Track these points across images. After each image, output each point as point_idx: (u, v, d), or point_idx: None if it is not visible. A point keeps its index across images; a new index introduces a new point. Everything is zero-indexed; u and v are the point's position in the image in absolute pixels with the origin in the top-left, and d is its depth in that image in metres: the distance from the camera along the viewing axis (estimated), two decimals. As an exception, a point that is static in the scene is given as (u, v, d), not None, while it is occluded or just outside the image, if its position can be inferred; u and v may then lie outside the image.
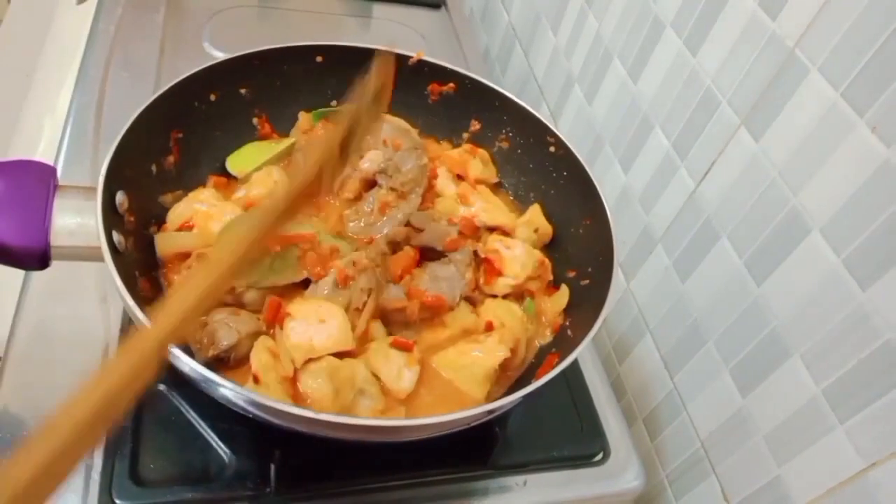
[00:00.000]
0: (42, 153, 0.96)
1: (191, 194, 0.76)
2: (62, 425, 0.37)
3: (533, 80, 1.25)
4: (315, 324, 0.66)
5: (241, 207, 0.76)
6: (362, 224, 0.80)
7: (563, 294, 0.78)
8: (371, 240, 0.77)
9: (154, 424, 0.68)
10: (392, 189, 0.81)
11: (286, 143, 0.88)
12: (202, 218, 0.73)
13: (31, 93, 1.11)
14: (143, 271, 0.66)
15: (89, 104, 0.98)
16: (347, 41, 0.88)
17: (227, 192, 0.81)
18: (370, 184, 0.84)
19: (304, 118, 0.90)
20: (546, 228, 0.84)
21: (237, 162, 0.85)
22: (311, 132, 0.89)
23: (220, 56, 0.82)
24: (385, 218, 0.79)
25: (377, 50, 0.61)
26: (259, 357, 0.64)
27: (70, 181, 0.63)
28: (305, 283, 0.71)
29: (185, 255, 0.71)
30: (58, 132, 0.95)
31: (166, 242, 0.71)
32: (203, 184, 0.81)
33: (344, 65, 0.90)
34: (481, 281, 0.77)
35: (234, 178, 0.84)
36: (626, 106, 0.96)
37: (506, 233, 0.82)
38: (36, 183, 0.62)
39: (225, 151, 0.85)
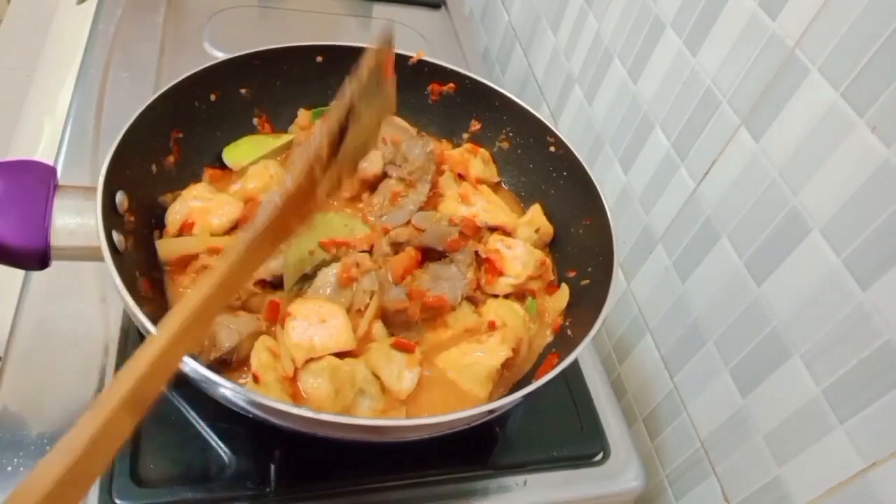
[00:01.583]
0: (42, 153, 0.96)
1: (184, 192, 0.75)
2: (34, 490, 0.36)
3: (533, 80, 1.25)
4: (316, 323, 0.66)
5: (238, 200, 0.77)
6: (372, 218, 0.81)
7: (564, 294, 0.78)
8: (386, 230, 0.77)
9: (154, 424, 0.68)
10: (401, 179, 0.81)
11: (284, 138, 0.88)
12: (200, 214, 0.73)
13: (31, 93, 1.11)
14: (143, 271, 0.66)
15: (89, 104, 0.98)
16: (347, 41, 0.88)
17: (221, 184, 0.81)
18: (370, 184, 0.84)
19: (302, 115, 0.90)
20: (547, 228, 0.84)
21: (234, 154, 0.85)
22: (310, 129, 0.89)
23: (220, 56, 0.82)
24: (396, 209, 0.80)
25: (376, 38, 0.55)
26: (259, 356, 0.64)
27: (70, 181, 0.64)
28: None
29: (189, 258, 0.71)
30: (58, 132, 0.95)
31: (168, 248, 0.71)
32: (197, 178, 0.81)
33: (344, 65, 0.88)
34: (483, 281, 0.77)
35: (230, 170, 0.84)
36: (626, 106, 0.96)
37: (507, 232, 0.82)
38: (36, 183, 0.62)
39: (225, 151, 0.85)
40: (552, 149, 0.85)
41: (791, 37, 0.68)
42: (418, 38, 1.31)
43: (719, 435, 0.79)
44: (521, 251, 0.78)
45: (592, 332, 0.63)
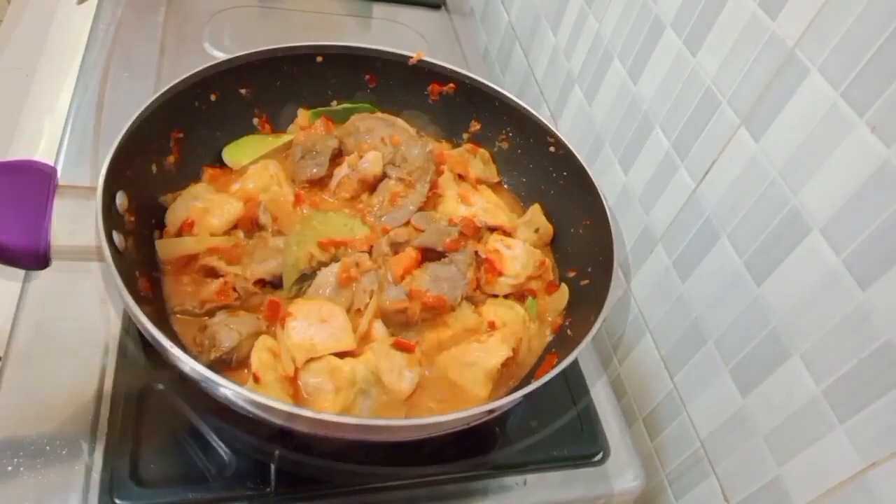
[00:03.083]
0: (42, 153, 0.96)
1: (185, 192, 0.76)
2: None
3: (533, 80, 1.25)
4: (316, 323, 0.66)
5: (238, 200, 0.77)
6: (371, 218, 0.81)
7: (563, 294, 0.78)
8: (385, 230, 0.77)
9: (154, 424, 0.68)
10: (400, 179, 0.82)
11: (284, 138, 0.88)
12: (200, 214, 0.73)
13: (31, 93, 1.10)
14: (143, 271, 0.66)
15: (89, 104, 0.99)
16: (347, 41, 0.88)
17: (220, 183, 0.81)
18: (369, 184, 0.84)
19: (302, 114, 0.90)
20: (547, 228, 0.84)
21: (234, 153, 0.85)
22: (309, 129, 0.89)
23: (221, 56, 0.82)
24: (395, 209, 0.80)
25: None
26: (259, 356, 0.64)
27: (70, 181, 0.64)
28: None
29: (189, 258, 0.71)
30: (58, 132, 0.95)
31: (167, 248, 0.71)
32: (197, 178, 0.81)
33: (344, 65, 0.90)
34: (482, 281, 0.77)
35: (230, 169, 0.84)
36: (626, 106, 0.96)
37: (506, 232, 0.82)
38: (36, 183, 0.62)
39: (225, 151, 0.85)
40: (552, 149, 0.85)
41: (791, 37, 0.68)
42: (418, 38, 1.31)
43: (719, 435, 0.79)
44: (520, 251, 0.78)
45: (592, 332, 0.63)
